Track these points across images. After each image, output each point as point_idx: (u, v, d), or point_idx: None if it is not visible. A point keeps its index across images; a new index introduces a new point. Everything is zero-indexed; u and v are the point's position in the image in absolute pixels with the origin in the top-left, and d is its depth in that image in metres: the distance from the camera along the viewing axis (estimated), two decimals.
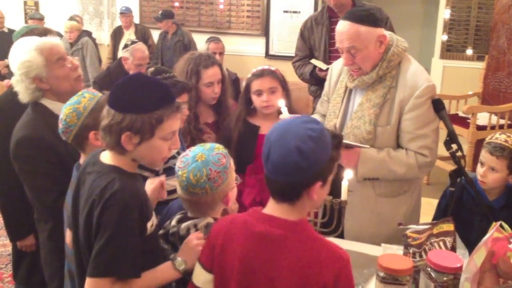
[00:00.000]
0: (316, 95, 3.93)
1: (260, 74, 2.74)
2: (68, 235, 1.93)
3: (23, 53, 2.25)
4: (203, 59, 2.84)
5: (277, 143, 1.44)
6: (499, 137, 2.37)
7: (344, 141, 2.25)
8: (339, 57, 2.40)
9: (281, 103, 2.40)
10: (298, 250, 1.44)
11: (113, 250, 1.54)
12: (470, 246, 2.15)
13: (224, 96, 2.94)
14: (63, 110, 1.96)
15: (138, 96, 1.58)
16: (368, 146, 2.30)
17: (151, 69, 2.63)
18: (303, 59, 3.87)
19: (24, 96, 2.28)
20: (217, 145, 1.89)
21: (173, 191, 2.03)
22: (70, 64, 2.34)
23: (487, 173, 2.34)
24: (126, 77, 1.68)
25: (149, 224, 1.68)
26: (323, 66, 3.55)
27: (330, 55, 3.72)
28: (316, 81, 3.80)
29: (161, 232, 1.89)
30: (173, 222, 1.88)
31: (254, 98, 2.75)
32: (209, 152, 1.82)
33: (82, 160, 2.01)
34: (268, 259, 1.46)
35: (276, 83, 2.73)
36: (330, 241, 1.53)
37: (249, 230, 1.50)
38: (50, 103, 2.29)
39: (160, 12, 6.62)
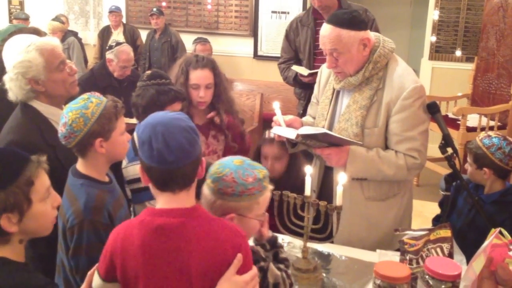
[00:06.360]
0: (301, 97, 3.92)
1: None
2: None
3: (23, 52, 2.18)
4: (195, 59, 2.77)
5: (162, 133, 1.43)
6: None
7: (335, 134, 2.22)
8: (324, 59, 2.37)
9: (276, 105, 2.35)
10: (201, 234, 1.46)
11: None
12: (455, 234, 2.16)
13: (217, 99, 2.82)
14: (68, 114, 1.87)
15: None
16: (361, 143, 2.27)
17: (148, 72, 2.56)
18: (288, 61, 3.82)
19: (16, 94, 2.21)
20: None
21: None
22: (69, 69, 2.30)
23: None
24: None
25: None
26: (304, 72, 3.52)
27: (315, 58, 3.69)
28: (301, 86, 3.79)
29: None
30: None
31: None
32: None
33: (79, 165, 1.96)
34: (173, 249, 1.45)
35: None
36: (224, 219, 1.54)
37: (147, 227, 1.48)
38: (41, 106, 2.24)
39: (155, 8, 6.60)
